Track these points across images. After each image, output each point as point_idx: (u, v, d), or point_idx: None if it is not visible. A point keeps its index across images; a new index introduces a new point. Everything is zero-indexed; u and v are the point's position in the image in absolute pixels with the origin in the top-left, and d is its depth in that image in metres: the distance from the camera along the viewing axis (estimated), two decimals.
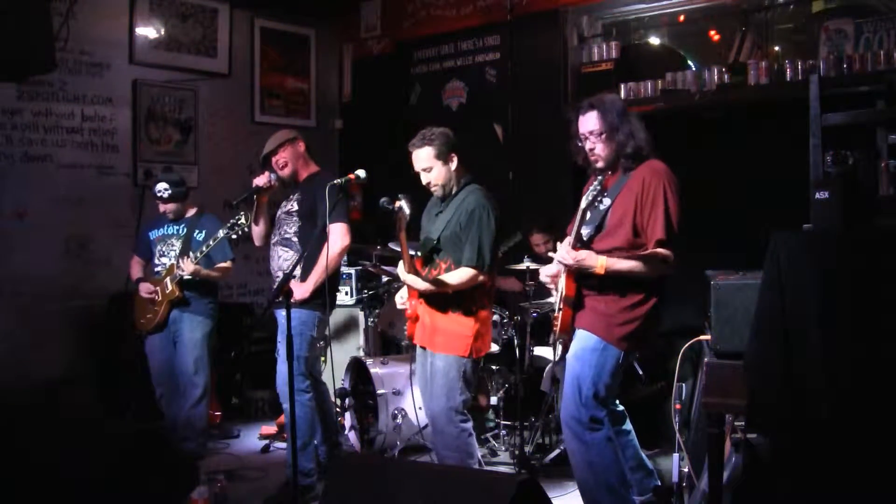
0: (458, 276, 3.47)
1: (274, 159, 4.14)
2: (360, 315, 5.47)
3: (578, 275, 3.16)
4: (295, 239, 4.02)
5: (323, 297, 3.85)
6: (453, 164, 3.59)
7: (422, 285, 3.51)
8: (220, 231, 4.26)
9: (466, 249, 3.47)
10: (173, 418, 4.56)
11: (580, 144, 3.29)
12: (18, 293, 5.26)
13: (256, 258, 6.38)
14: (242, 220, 4.16)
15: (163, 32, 6.02)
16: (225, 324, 5.73)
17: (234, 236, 4.23)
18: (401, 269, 3.61)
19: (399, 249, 3.59)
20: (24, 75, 4.46)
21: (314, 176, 4.13)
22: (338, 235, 3.96)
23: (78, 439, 2.73)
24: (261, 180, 4.07)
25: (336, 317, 4.50)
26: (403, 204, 3.42)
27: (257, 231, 4.24)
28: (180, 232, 4.61)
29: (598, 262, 3.06)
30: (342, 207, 4.00)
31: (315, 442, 4.07)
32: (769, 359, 2.21)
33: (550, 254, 3.35)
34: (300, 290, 3.93)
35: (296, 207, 4.10)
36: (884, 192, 3.42)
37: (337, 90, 7.24)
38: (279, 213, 4.20)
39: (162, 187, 4.54)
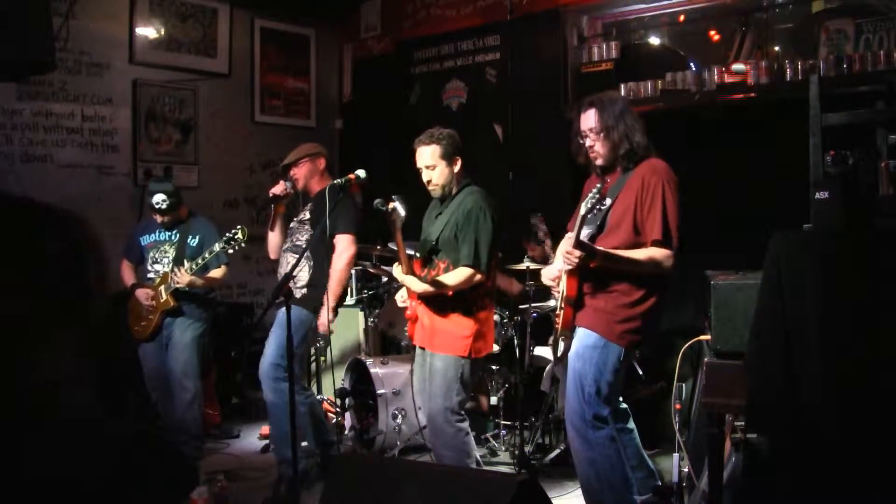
0: (455, 276, 3.47)
1: (291, 171, 4.20)
2: (360, 315, 5.47)
3: (579, 274, 3.16)
4: (305, 246, 4.02)
5: (322, 301, 3.86)
6: (456, 167, 3.60)
7: (419, 287, 3.52)
8: (217, 244, 4.21)
9: (463, 249, 3.48)
10: (169, 422, 4.55)
11: (581, 142, 3.30)
12: None
13: (256, 258, 6.39)
14: (239, 235, 4.10)
15: (163, 32, 6.02)
16: (225, 324, 5.74)
17: (230, 251, 4.19)
18: (397, 271, 3.61)
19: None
20: (24, 75, 4.46)
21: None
22: (342, 247, 4.00)
23: (78, 439, 2.73)
24: (277, 189, 4.15)
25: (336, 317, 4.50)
26: (397, 205, 3.42)
27: (273, 240, 4.25)
28: (173, 238, 4.54)
29: (596, 255, 3.07)
30: (348, 216, 4.00)
31: (305, 443, 4.09)
32: (769, 359, 2.21)
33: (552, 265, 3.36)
34: (323, 320, 3.95)
35: (307, 216, 4.16)
36: (884, 192, 3.41)
37: (337, 90, 7.24)
38: (292, 222, 4.24)
39: (160, 199, 4.42)
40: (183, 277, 4.29)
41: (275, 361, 3.96)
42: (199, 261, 4.29)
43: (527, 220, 5.06)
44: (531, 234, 4.96)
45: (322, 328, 3.99)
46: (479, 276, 3.48)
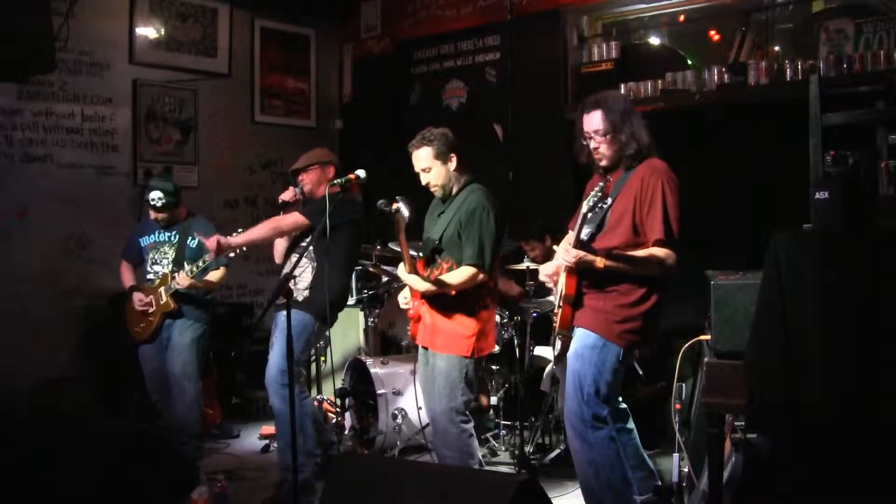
0: (458, 275, 3.47)
1: (300, 177, 4.18)
2: (360, 315, 5.47)
3: (578, 273, 3.16)
4: (306, 246, 4.01)
5: (324, 307, 3.83)
6: (452, 165, 3.59)
7: (423, 286, 3.51)
8: None
9: (467, 248, 3.47)
10: (169, 423, 4.54)
11: (584, 143, 3.28)
12: (18, 293, 5.26)
13: (256, 258, 6.39)
14: None
15: (163, 32, 6.03)
16: (225, 324, 5.74)
17: (231, 254, 4.17)
18: (401, 271, 3.61)
19: (399, 250, 3.59)
20: (24, 75, 4.46)
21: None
22: (294, 222, 3.97)
23: (78, 439, 2.73)
24: (286, 195, 4.14)
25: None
26: (401, 206, 3.41)
27: (279, 246, 4.24)
28: (172, 239, 4.51)
29: (598, 256, 3.07)
30: (346, 225, 3.97)
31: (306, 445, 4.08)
32: (769, 359, 2.21)
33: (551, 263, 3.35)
34: (229, 240, 3.91)
35: None
36: (884, 192, 3.42)
37: (337, 90, 7.24)
38: None
39: (156, 196, 4.39)
40: (184, 280, 4.28)
41: (282, 368, 3.90)
42: (200, 263, 4.28)
43: (527, 220, 5.06)
44: (538, 235, 4.96)
45: (226, 242, 3.91)
46: (482, 276, 3.48)
